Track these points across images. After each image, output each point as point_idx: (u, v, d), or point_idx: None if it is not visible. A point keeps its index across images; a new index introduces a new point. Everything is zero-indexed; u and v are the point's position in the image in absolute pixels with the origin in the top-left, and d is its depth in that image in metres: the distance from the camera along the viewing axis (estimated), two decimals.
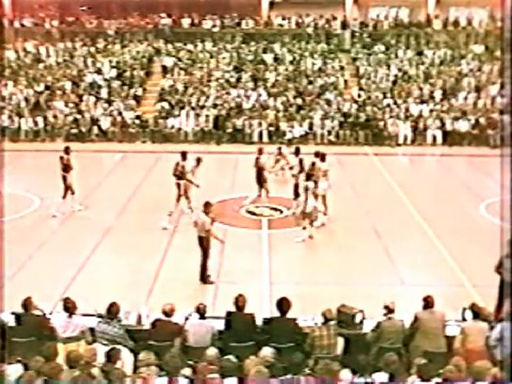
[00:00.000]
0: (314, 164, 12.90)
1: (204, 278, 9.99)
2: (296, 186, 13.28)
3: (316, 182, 12.24)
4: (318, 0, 27.17)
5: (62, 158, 13.32)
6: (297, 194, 13.34)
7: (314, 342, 6.58)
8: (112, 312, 6.79)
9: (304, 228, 11.86)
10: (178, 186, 13.04)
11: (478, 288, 9.57)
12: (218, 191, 14.60)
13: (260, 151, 13.91)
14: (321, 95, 23.15)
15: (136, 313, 7.32)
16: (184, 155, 13.18)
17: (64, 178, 13.25)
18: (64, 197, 13.36)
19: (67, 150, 13.46)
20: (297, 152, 13.66)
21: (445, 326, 6.90)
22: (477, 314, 6.81)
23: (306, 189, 11.69)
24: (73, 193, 13.45)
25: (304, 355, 6.21)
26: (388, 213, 13.63)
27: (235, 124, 21.77)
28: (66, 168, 13.24)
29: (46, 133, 21.81)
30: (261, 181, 13.69)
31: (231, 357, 6.00)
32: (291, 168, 13.87)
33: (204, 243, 9.92)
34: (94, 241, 11.80)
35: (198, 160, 13.32)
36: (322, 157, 13.01)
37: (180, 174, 12.98)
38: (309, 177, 11.90)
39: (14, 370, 5.68)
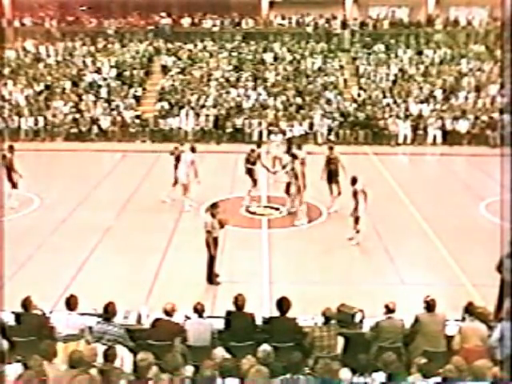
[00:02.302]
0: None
1: (211, 278, 9.94)
2: (288, 185, 13.36)
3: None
4: (317, 0, 27.18)
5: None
6: (288, 192, 13.43)
7: (314, 341, 6.58)
8: (109, 311, 6.78)
9: (358, 231, 11.69)
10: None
11: (478, 287, 9.57)
12: (218, 191, 14.61)
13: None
14: (321, 95, 23.15)
15: (136, 312, 7.32)
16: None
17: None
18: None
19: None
20: (289, 149, 13.69)
21: (445, 327, 6.90)
22: (471, 313, 6.79)
23: (355, 193, 11.42)
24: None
25: (303, 355, 6.21)
26: (388, 212, 13.63)
27: (235, 123, 21.78)
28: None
29: (46, 132, 21.82)
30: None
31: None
32: (284, 167, 13.76)
33: (210, 244, 9.87)
34: (94, 240, 11.80)
35: (193, 149, 13.71)
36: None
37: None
38: (354, 181, 11.52)
39: (13, 370, 5.68)
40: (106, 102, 22.90)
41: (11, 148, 13.76)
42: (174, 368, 5.63)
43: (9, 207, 13.46)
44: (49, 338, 6.40)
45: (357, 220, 11.61)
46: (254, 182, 13.95)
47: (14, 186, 13.66)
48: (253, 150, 13.97)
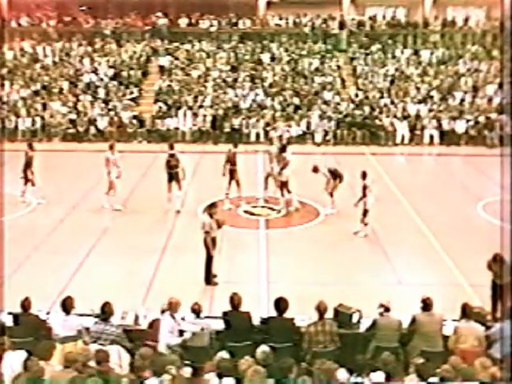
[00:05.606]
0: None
1: (209, 279, 9.94)
2: (282, 184, 13.36)
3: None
4: (315, 0, 27.19)
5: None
6: (283, 193, 13.60)
7: (310, 338, 6.59)
8: (106, 311, 6.77)
9: (366, 224, 12.04)
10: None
11: (475, 287, 9.57)
12: (216, 191, 14.58)
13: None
14: (318, 95, 23.15)
15: (133, 313, 7.31)
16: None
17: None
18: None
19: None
20: (283, 149, 13.78)
21: (442, 327, 6.90)
22: (467, 314, 6.79)
23: (365, 187, 11.84)
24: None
25: (300, 353, 6.21)
26: (385, 212, 13.60)
27: (232, 124, 21.76)
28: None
29: (43, 132, 21.77)
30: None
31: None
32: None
33: (208, 244, 9.86)
34: (92, 241, 11.79)
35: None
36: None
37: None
38: (364, 175, 11.96)
39: (11, 370, 5.67)
40: (104, 103, 22.86)
41: (31, 146, 14.54)
42: (160, 368, 5.62)
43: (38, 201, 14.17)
44: (46, 339, 6.39)
45: (365, 213, 11.94)
46: (237, 183, 14.01)
47: (31, 183, 14.17)
48: (229, 150, 14.04)
